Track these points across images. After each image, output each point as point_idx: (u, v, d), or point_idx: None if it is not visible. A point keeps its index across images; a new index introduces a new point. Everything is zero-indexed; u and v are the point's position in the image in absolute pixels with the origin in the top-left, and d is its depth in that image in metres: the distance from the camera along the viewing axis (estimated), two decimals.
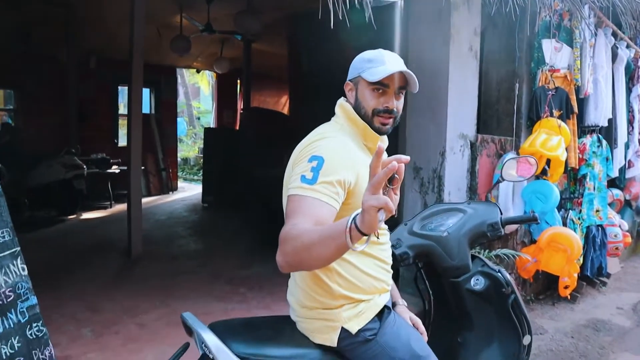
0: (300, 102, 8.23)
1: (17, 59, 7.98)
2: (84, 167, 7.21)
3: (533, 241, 4.20)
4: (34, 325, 2.09)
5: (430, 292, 2.30)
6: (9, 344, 1.96)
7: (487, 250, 3.47)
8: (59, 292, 3.88)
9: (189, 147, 18.23)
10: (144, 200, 9.46)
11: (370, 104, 1.50)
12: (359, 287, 1.51)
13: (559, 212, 4.33)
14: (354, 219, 1.06)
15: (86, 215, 7.48)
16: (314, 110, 5.23)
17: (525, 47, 4.10)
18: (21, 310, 2.05)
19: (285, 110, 10.63)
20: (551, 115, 3.92)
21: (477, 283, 2.07)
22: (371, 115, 1.51)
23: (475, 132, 3.70)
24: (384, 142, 1.65)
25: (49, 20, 7.20)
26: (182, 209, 8.39)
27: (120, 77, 8.66)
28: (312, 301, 1.53)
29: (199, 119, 20.76)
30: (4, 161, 6.84)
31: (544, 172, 3.87)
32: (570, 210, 4.43)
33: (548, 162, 3.83)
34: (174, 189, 10.68)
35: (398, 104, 1.53)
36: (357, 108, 1.53)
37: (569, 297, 4.01)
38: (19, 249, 2.12)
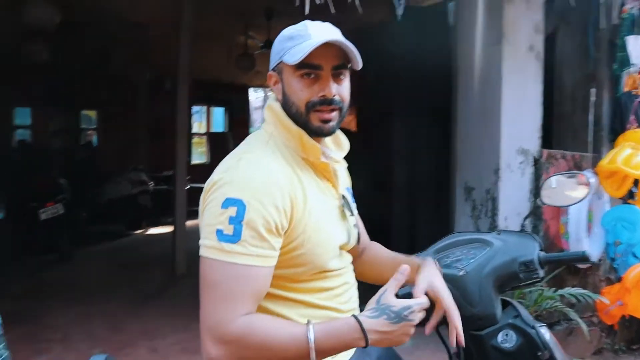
0: (365, 117, 7.91)
1: (99, 81, 8.43)
2: (149, 183, 7.36)
3: (620, 279, 3.48)
4: None
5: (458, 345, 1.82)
6: None
7: (553, 289, 2.87)
8: (90, 308, 3.82)
9: None
10: None
11: (301, 96, 1.08)
12: None
13: None
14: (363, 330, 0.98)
15: (152, 231, 7.61)
16: (379, 125, 4.94)
17: (606, 46, 3.46)
18: None
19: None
20: None
21: (507, 340, 1.56)
22: (305, 111, 1.08)
23: (539, 147, 3.13)
24: (339, 148, 1.24)
25: (125, 43, 7.52)
26: None
27: (194, 97, 8.91)
28: None
29: None
30: (79, 177, 7.16)
31: (630, 196, 3.19)
32: None
33: (636, 182, 3.16)
34: None
35: (340, 90, 1.10)
36: (287, 106, 1.11)
37: None
38: None
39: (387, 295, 1.00)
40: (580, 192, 1.60)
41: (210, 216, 1.00)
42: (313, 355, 0.95)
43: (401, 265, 1.05)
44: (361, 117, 8.38)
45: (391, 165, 4.15)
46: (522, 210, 3.12)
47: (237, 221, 0.97)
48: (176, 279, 4.74)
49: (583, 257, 1.50)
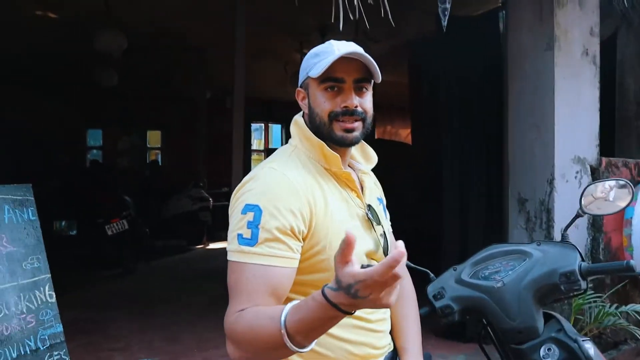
0: (421, 130, 7.81)
1: (163, 102, 8.89)
2: (210, 199, 7.60)
3: None
4: (55, 353, 2.04)
5: (504, 359, 1.75)
6: None
7: (615, 306, 2.70)
8: (151, 319, 3.98)
9: None
10: None
11: (324, 107, 1.14)
12: (326, 357, 1.13)
13: None
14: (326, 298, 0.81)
15: (213, 246, 7.84)
16: (435, 139, 4.86)
17: None
18: (42, 337, 2.02)
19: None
20: None
21: (549, 354, 1.49)
22: (328, 121, 1.14)
23: (597, 155, 2.98)
24: (367, 161, 1.28)
25: (186, 65, 7.89)
26: None
27: (253, 114, 9.20)
28: None
29: None
30: (143, 194, 7.55)
31: None
32: None
33: None
34: None
35: (363, 102, 1.14)
36: (312, 119, 1.17)
37: None
38: (49, 275, 2.11)
39: (336, 266, 0.80)
40: (624, 200, 1.51)
41: (233, 222, 1.06)
42: (286, 338, 0.85)
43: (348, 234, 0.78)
44: (415, 130, 8.31)
45: (442, 175, 4.07)
46: (580, 223, 2.97)
47: (254, 225, 1.02)
48: None
49: (627, 268, 1.40)
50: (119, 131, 9.14)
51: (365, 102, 1.15)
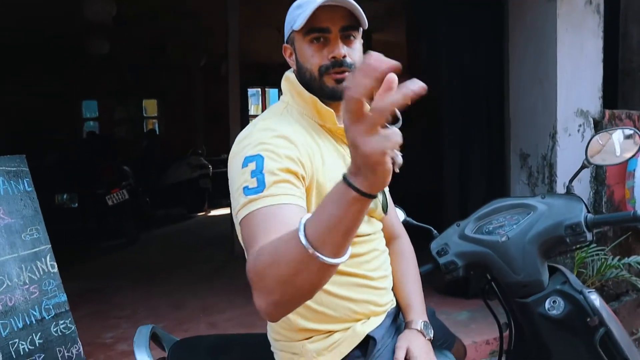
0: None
1: (157, 71, 8.74)
2: (209, 166, 7.57)
3: None
4: (61, 322, 2.05)
5: (508, 313, 1.75)
6: (28, 340, 1.93)
7: (618, 258, 2.70)
8: (154, 287, 4.01)
9: None
10: None
11: (312, 61, 1.09)
12: (330, 316, 1.12)
13: None
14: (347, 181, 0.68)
15: (214, 213, 7.85)
16: (434, 102, 4.79)
17: None
18: (46, 307, 2.02)
19: None
20: None
21: (554, 307, 1.48)
22: (318, 75, 1.09)
23: (600, 107, 2.93)
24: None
25: (179, 32, 7.71)
26: None
27: (249, 80, 9.06)
28: (275, 332, 1.19)
29: None
30: (142, 164, 7.51)
31: None
32: None
33: None
34: None
35: (351, 52, 1.09)
36: (301, 75, 1.12)
37: None
38: (49, 246, 2.09)
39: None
40: (630, 151, 1.47)
41: (235, 182, 0.98)
42: (307, 243, 0.70)
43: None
44: None
45: (442, 133, 4.01)
46: (583, 176, 2.94)
47: (258, 172, 0.95)
48: (235, 258, 4.85)
49: (634, 218, 1.38)
50: (115, 101, 9.04)
51: (354, 51, 1.10)
